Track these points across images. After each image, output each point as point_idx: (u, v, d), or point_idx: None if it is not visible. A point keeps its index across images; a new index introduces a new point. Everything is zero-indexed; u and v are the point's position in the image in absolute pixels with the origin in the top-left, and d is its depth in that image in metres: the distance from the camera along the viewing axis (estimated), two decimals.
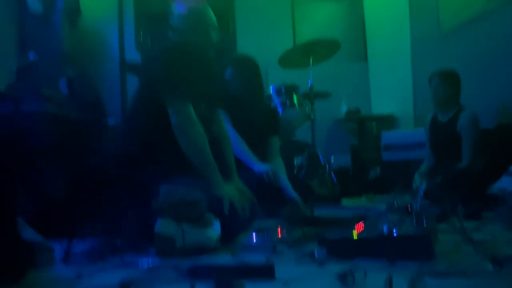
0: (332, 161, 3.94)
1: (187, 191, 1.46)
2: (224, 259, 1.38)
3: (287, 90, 3.20)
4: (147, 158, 1.75)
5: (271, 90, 3.26)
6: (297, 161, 3.42)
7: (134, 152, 1.79)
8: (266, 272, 1.14)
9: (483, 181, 2.46)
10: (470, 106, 2.82)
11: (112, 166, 1.90)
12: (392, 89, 4.45)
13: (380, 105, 4.61)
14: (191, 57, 1.75)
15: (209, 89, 1.87)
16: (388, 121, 4.47)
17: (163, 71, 1.70)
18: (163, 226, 1.42)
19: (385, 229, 1.33)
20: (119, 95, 4.02)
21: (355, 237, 1.36)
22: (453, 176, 2.54)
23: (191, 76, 1.71)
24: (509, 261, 1.18)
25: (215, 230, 1.50)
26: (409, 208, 1.40)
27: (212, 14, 1.91)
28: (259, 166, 2.37)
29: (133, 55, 4.13)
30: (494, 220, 1.92)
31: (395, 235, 1.28)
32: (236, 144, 2.30)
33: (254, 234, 1.51)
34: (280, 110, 3.19)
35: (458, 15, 3.51)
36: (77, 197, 1.79)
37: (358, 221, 1.68)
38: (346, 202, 2.53)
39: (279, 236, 1.57)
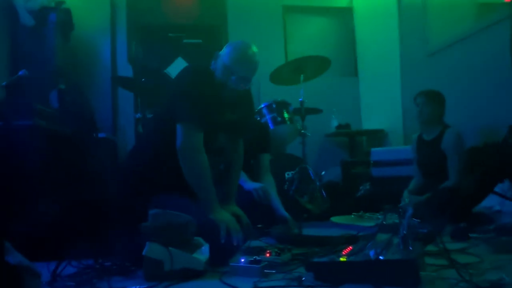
0: (323, 175, 3.96)
1: (176, 215, 1.47)
2: (212, 283, 1.38)
3: (278, 106, 3.23)
4: (144, 181, 1.75)
5: (262, 106, 3.28)
6: (288, 176, 3.43)
7: (133, 174, 1.80)
8: None
9: (470, 199, 2.49)
10: (456, 125, 2.87)
11: (107, 186, 1.91)
12: (382, 106, 4.51)
13: (370, 121, 4.65)
14: (219, 86, 1.76)
15: (232, 119, 1.87)
16: (378, 136, 4.51)
17: (187, 92, 1.71)
18: (151, 249, 1.42)
19: (371, 253, 1.34)
20: (110, 109, 4.04)
21: (342, 260, 1.37)
22: (439, 195, 2.57)
23: (213, 106, 1.73)
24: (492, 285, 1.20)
25: (203, 253, 1.50)
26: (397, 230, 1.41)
27: (257, 56, 1.84)
28: (249, 184, 2.39)
29: (125, 69, 4.16)
30: (481, 242, 1.94)
31: (381, 259, 1.29)
32: None
33: (242, 258, 1.52)
34: (271, 126, 3.21)
35: (445, 35, 3.58)
36: (67, 218, 1.78)
37: (345, 241, 1.70)
38: (335, 219, 2.53)
39: (268, 259, 1.57)
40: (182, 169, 1.67)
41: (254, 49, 1.81)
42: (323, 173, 4.02)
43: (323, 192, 3.34)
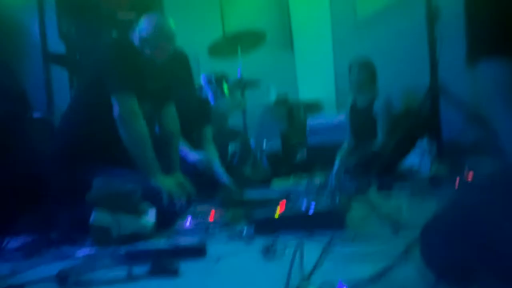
0: (264, 145, 4.12)
1: (120, 183, 1.53)
2: (159, 243, 1.47)
3: (218, 80, 3.28)
4: (83, 151, 1.78)
5: (202, 80, 3.32)
6: (230, 148, 3.55)
7: (71, 144, 1.81)
8: (198, 251, 1.26)
9: (394, 157, 2.76)
10: (386, 91, 3.10)
11: (46, 161, 1.90)
12: (316, 76, 4.71)
13: (307, 91, 4.85)
14: (140, 57, 1.84)
15: (155, 86, 1.94)
16: (314, 106, 4.72)
17: (114, 64, 1.77)
18: (98, 217, 1.47)
19: (303, 206, 1.50)
20: (43, 87, 3.86)
21: (277, 215, 1.51)
22: (369, 155, 2.81)
23: (138, 72, 1.80)
24: (407, 225, 1.40)
25: (150, 218, 1.58)
26: (326, 185, 1.58)
27: (171, 28, 1.93)
28: (193, 155, 2.47)
29: (58, 45, 3.97)
30: (402, 191, 2.18)
31: (311, 211, 1.45)
32: None
33: (188, 219, 1.61)
34: (211, 99, 3.27)
35: (372, 3, 3.78)
36: (8, 194, 1.76)
37: (282, 200, 1.84)
38: (276, 183, 2.70)
39: (212, 219, 1.68)
40: (121, 138, 1.71)
41: (168, 20, 1.91)
42: (264, 144, 4.19)
43: (265, 161, 3.50)
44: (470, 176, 2.18)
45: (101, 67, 1.80)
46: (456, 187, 1.94)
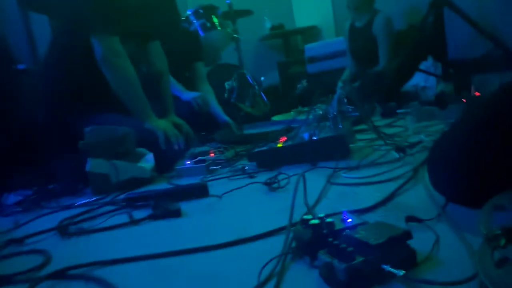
0: (263, 80, 4.00)
1: (112, 128, 1.47)
2: (160, 186, 1.43)
3: (206, 11, 3.09)
4: (70, 99, 1.70)
5: (188, 13, 3.14)
6: (227, 85, 3.44)
7: (57, 94, 1.73)
8: (200, 190, 1.22)
9: (398, 81, 2.66)
10: (385, 9, 2.93)
11: (33, 113, 1.83)
12: (312, 0, 4.45)
13: (303, 18, 4.62)
14: None
15: (137, 23, 1.80)
16: (312, 33, 4.52)
17: (89, 2, 1.61)
18: (94, 165, 1.43)
19: (305, 136, 1.44)
20: (25, 37, 3.69)
21: (280, 145, 1.46)
22: (369, 79, 2.71)
23: (117, 10, 1.65)
24: (412, 147, 1.35)
25: (148, 161, 1.53)
26: (327, 114, 1.51)
27: None
28: (186, 95, 2.38)
29: None
30: (407, 115, 2.12)
31: (314, 139, 1.39)
32: None
33: (188, 160, 1.57)
34: (201, 32, 3.11)
35: None
36: (1, 149, 1.71)
37: (283, 133, 1.79)
38: (276, 118, 2.63)
39: (213, 158, 1.64)
40: (107, 82, 1.62)
41: None
42: (262, 78, 4.05)
43: (263, 96, 3.40)
44: (476, 94, 2.10)
45: (76, 6, 1.65)
46: (464, 106, 1.87)
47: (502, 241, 0.45)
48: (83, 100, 1.69)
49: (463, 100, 1.99)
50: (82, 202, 1.33)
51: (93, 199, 1.36)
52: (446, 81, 2.41)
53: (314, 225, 0.67)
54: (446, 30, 2.53)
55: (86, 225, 1.09)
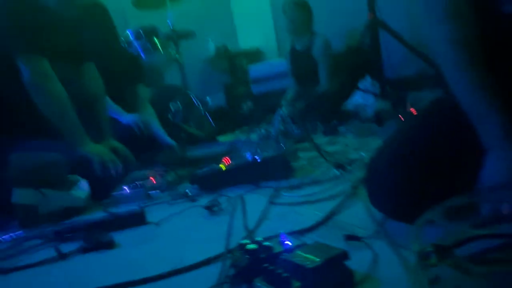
0: (209, 101, 3.96)
1: (41, 155, 1.36)
2: (95, 216, 1.34)
3: (147, 33, 3.04)
4: None
5: (130, 35, 3.07)
6: (172, 106, 3.37)
7: None
8: (137, 218, 1.15)
9: (338, 100, 2.73)
10: (323, 32, 3.02)
11: None
12: (255, 22, 4.53)
13: (247, 40, 4.67)
14: (45, 11, 1.57)
15: (68, 44, 1.70)
16: (256, 55, 4.58)
17: (14, 22, 1.50)
18: (21, 195, 1.31)
19: (248, 156, 1.42)
20: None
21: (223, 169, 1.42)
22: (313, 100, 2.77)
23: (44, 30, 1.56)
24: (352, 164, 1.36)
25: (82, 190, 1.43)
26: (270, 134, 1.50)
27: None
28: (127, 117, 2.29)
29: None
30: (348, 133, 2.16)
31: (256, 158, 1.37)
32: None
33: (126, 186, 1.49)
34: (142, 55, 3.04)
35: None
36: None
37: (227, 154, 1.75)
38: (222, 139, 2.60)
39: (153, 182, 1.57)
40: (37, 106, 1.51)
41: None
42: (207, 98, 4.03)
43: (209, 117, 3.37)
44: (412, 110, 2.20)
45: (0, 26, 1.54)
46: (400, 122, 1.94)
47: (433, 259, 0.45)
48: (9, 124, 1.56)
49: (399, 116, 2.07)
50: (6, 236, 1.21)
51: (19, 232, 1.24)
52: (383, 99, 2.51)
53: (251, 250, 0.64)
54: (382, 50, 2.65)
55: (8, 263, 0.99)
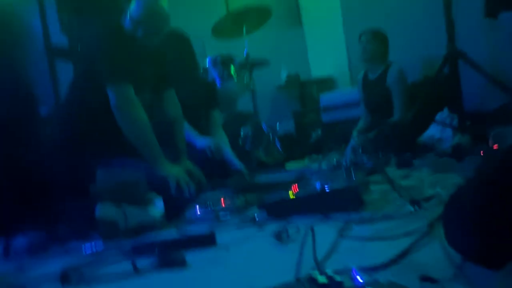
0: (278, 128, 4.02)
1: (125, 173, 1.47)
2: (168, 234, 1.41)
3: (223, 61, 3.18)
4: (84, 144, 1.73)
5: (207, 63, 3.23)
6: (242, 132, 3.47)
7: (70, 138, 1.76)
8: (207, 240, 1.19)
9: (413, 131, 2.63)
10: (399, 61, 2.96)
11: (49, 156, 1.85)
12: (328, 51, 4.55)
13: (319, 68, 4.70)
14: (132, 42, 1.74)
15: (152, 72, 1.86)
16: (327, 84, 4.58)
17: (105, 52, 1.68)
18: (104, 210, 1.42)
19: (317, 186, 1.41)
20: (50, 82, 3.84)
21: (291, 196, 1.43)
22: (385, 130, 2.69)
23: (131, 59, 1.71)
24: (428, 201, 1.30)
25: (157, 208, 1.52)
26: (341, 164, 1.49)
27: (164, 8, 1.84)
28: (201, 141, 2.39)
29: (60, 39, 3.92)
30: (423, 166, 2.07)
31: (326, 189, 1.36)
32: None
33: (197, 207, 1.55)
34: (218, 82, 3.18)
35: None
36: (13, 191, 1.73)
37: (295, 182, 1.76)
38: (289, 166, 2.61)
39: (223, 205, 1.62)
40: (121, 129, 1.64)
41: (161, 1, 1.78)
42: (277, 125, 4.09)
43: (277, 144, 3.41)
44: (495, 147, 2.06)
45: (93, 56, 1.72)
46: (481, 159, 1.82)
47: None
48: (97, 143, 1.71)
49: (480, 152, 1.95)
50: (89, 248, 1.31)
51: (100, 245, 1.34)
52: (462, 133, 2.38)
53: (321, 284, 0.64)
54: (462, 82, 2.53)
55: (89, 274, 1.06)
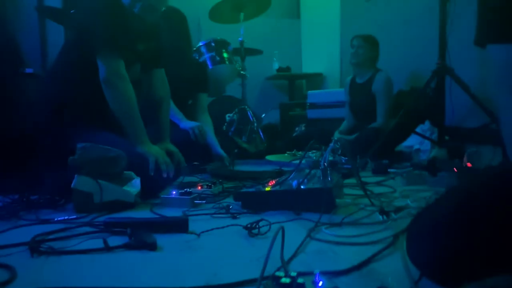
0: (263, 118, 4.05)
1: (105, 148, 1.47)
2: (141, 213, 1.42)
3: (217, 45, 3.18)
4: (68, 112, 1.72)
5: (200, 44, 3.21)
6: (228, 117, 3.47)
7: (55, 104, 1.74)
8: (180, 225, 1.21)
9: (393, 139, 2.69)
10: (388, 69, 3.01)
11: (30, 120, 1.83)
12: (322, 50, 4.57)
13: (310, 65, 4.73)
14: (128, 16, 1.72)
15: (145, 48, 1.84)
16: (317, 79, 4.62)
17: (100, 22, 1.66)
18: (80, 182, 1.42)
19: (294, 183, 1.44)
20: (38, 43, 3.75)
21: (268, 188, 1.46)
22: (366, 134, 2.74)
23: (126, 33, 1.70)
24: (397, 212, 1.35)
25: (134, 186, 1.53)
26: (319, 163, 1.52)
27: None
28: (185, 123, 2.40)
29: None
30: (398, 175, 2.13)
31: (301, 188, 1.39)
32: None
33: (174, 190, 1.56)
34: (209, 65, 3.18)
35: None
36: None
37: (273, 176, 1.79)
38: (270, 157, 2.64)
39: (200, 191, 1.64)
40: (107, 102, 1.64)
41: None
42: (263, 115, 4.11)
43: (261, 133, 3.44)
44: (468, 165, 2.13)
45: (86, 24, 1.69)
46: (454, 175, 1.89)
47: None
48: (81, 114, 1.70)
49: (454, 169, 2.01)
50: (61, 218, 1.32)
51: (73, 216, 1.35)
52: (440, 147, 2.45)
53: (284, 284, 0.67)
54: (446, 97, 2.59)
55: (59, 244, 1.07)
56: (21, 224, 1.27)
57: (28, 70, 3.00)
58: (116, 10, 1.69)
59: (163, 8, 1.82)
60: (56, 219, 1.30)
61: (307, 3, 4.79)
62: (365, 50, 2.91)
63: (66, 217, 1.33)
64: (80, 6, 1.79)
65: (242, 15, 3.23)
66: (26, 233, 1.13)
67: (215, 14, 3.33)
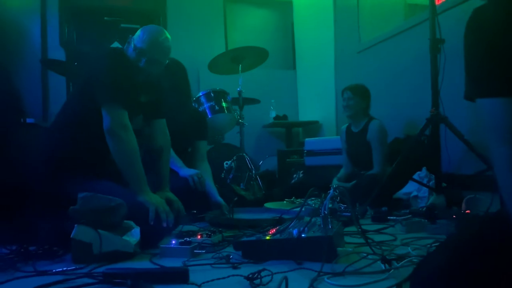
0: (260, 165, 4.07)
1: (105, 198, 1.47)
2: (141, 264, 1.40)
3: (216, 95, 3.27)
4: (69, 161, 1.73)
5: (200, 94, 3.30)
6: (226, 164, 3.50)
7: (56, 153, 1.76)
8: (180, 276, 1.20)
9: (391, 186, 2.70)
10: (382, 117, 3.07)
11: (32, 168, 1.84)
12: (317, 98, 4.69)
13: (306, 113, 4.83)
14: (133, 69, 1.79)
15: (147, 100, 1.90)
16: (313, 127, 4.70)
17: (106, 75, 1.72)
18: (80, 232, 1.41)
19: (295, 232, 1.44)
20: (40, 94, 3.84)
21: (268, 237, 1.45)
22: (364, 182, 2.76)
23: (130, 87, 1.76)
24: (399, 261, 1.34)
25: (134, 236, 1.52)
26: (320, 211, 1.52)
27: (169, 42, 1.90)
28: (184, 171, 2.41)
29: (58, 52, 3.96)
30: (397, 223, 2.13)
31: (302, 236, 1.39)
32: None
33: (173, 240, 1.55)
34: (209, 114, 3.24)
35: (375, 32, 3.81)
36: None
37: (274, 224, 1.79)
38: (268, 205, 2.63)
39: (200, 240, 1.62)
40: (108, 151, 1.66)
41: (166, 34, 1.88)
42: (260, 163, 4.14)
43: (259, 181, 3.45)
44: (467, 212, 2.13)
45: (92, 76, 1.76)
46: (453, 222, 1.89)
47: None
48: (82, 163, 1.72)
49: (453, 216, 2.02)
50: (59, 269, 1.29)
51: (71, 267, 1.33)
52: (438, 193, 2.46)
53: None
54: (442, 145, 2.63)
55: None
56: (18, 276, 1.25)
57: (29, 120, 3.05)
58: (121, 63, 1.76)
59: (167, 61, 1.90)
60: (54, 270, 1.28)
61: (302, 55, 4.97)
62: (355, 101, 2.98)
63: (64, 268, 1.31)
64: (87, 59, 1.87)
65: (240, 66, 3.34)
66: (23, 285, 1.11)
67: (215, 66, 3.45)
